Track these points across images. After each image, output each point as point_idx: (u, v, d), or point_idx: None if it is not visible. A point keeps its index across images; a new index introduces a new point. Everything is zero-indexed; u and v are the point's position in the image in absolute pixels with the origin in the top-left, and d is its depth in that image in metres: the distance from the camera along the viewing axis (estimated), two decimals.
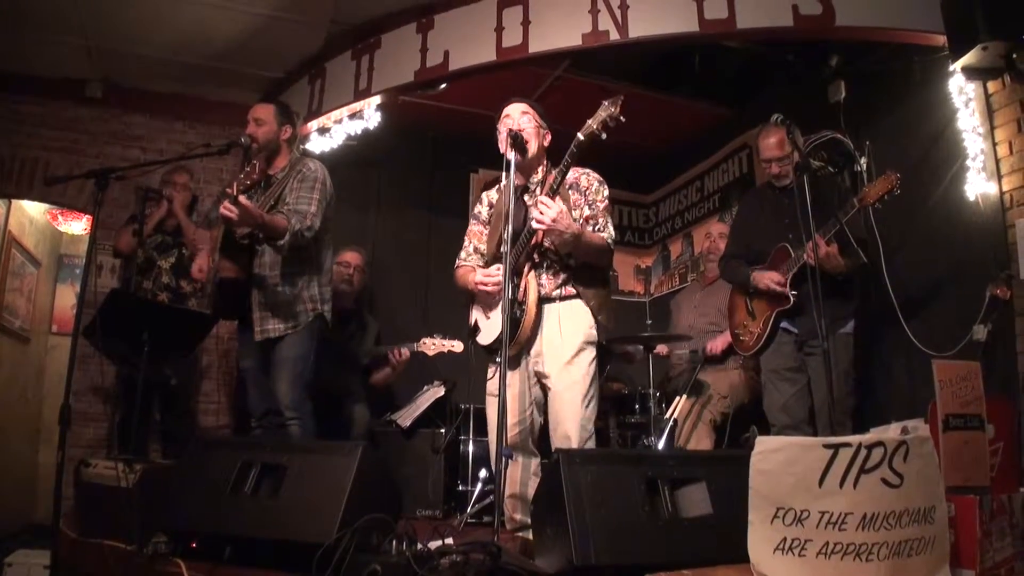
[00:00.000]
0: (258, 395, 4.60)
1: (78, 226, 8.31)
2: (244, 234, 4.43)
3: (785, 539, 2.40)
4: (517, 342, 3.88)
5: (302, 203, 4.43)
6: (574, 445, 3.77)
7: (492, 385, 4.07)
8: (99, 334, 4.59)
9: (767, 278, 4.73)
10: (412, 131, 7.57)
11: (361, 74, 6.01)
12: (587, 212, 3.98)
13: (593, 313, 3.97)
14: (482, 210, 4.37)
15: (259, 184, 4.34)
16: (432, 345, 6.02)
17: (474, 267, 4.21)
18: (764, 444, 2.47)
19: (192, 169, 6.24)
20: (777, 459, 2.43)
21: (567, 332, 3.91)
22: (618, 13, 5.06)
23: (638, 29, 5.03)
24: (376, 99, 5.99)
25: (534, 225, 3.73)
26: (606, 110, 3.64)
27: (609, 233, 3.99)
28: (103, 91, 7.00)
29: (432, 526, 4.02)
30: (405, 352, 6.12)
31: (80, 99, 6.96)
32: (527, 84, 6.36)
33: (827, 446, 2.42)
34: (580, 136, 3.70)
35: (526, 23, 5.32)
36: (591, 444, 3.91)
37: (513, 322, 3.81)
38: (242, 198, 4.01)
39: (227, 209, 4.02)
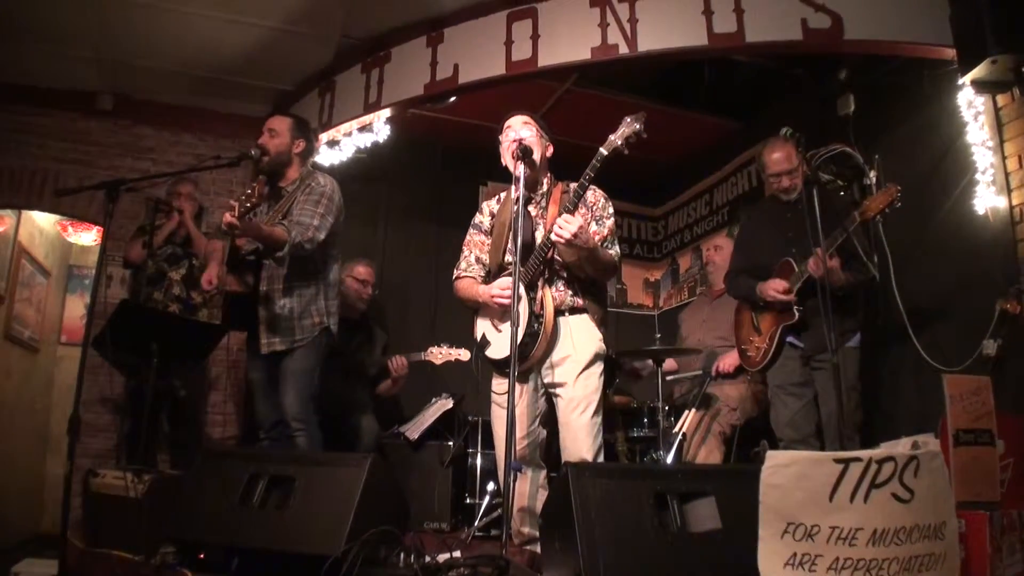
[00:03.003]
0: (267, 407, 4.61)
1: (88, 237, 8.32)
2: (249, 250, 4.45)
3: (795, 554, 2.38)
4: (534, 356, 3.88)
5: (304, 216, 4.44)
6: (587, 457, 3.77)
7: (498, 397, 4.06)
8: (109, 345, 4.61)
9: (771, 287, 4.72)
10: (421, 144, 7.60)
11: (371, 87, 6.03)
12: (594, 228, 3.97)
13: (597, 326, 3.98)
14: (483, 220, 4.36)
15: (259, 205, 4.34)
16: (439, 354, 6.00)
17: (476, 278, 4.20)
18: (775, 458, 2.46)
19: (198, 180, 6.26)
20: (788, 473, 2.42)
21: (579, 345, 3.90)
22: (627, 27, 5.06)
23: (647, 43, 5.03)
24: (386, 112, 6.02)
25: (553, 238, 3.72)
26: (629, 126, 3.65)
27: (616, 250, 4.00)
28: (113, 103, 7.03)
29: (440, 539, 4.03)
30: (402, 360, 6.11)
31: (90, 111, 6.99)
32: (536, 97, 6.38)
33: (838, 461, 2.41)
34: (603, 151, 3.71)
35: (535, 37, 5.34)
36: (601, 455, 3.90)
37: (532, 335, 3.82)
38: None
39: (229, 218, 4.03)
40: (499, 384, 4.05)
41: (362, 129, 6.23)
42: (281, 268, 4.45)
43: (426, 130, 7.32)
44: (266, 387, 4.58)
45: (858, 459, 2.41)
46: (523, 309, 3.81)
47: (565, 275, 3.96)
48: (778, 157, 4.83)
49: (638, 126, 3.64)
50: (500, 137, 4.11)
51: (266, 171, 4.67)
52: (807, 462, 2.46)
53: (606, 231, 3.98)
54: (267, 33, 6.02)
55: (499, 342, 4.03)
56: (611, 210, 4.08)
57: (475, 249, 4.30)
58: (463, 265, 4.29)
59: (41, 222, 7.89)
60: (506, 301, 3.86)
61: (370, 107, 6.00)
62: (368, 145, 6.34)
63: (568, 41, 5.25)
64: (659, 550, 2.77)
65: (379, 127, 6.21)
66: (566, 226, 3.63)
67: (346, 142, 6.34)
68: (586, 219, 3.97)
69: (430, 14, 5.78)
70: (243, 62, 6.45)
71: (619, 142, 3.68)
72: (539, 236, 3.93)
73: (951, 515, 2.54)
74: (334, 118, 6.28)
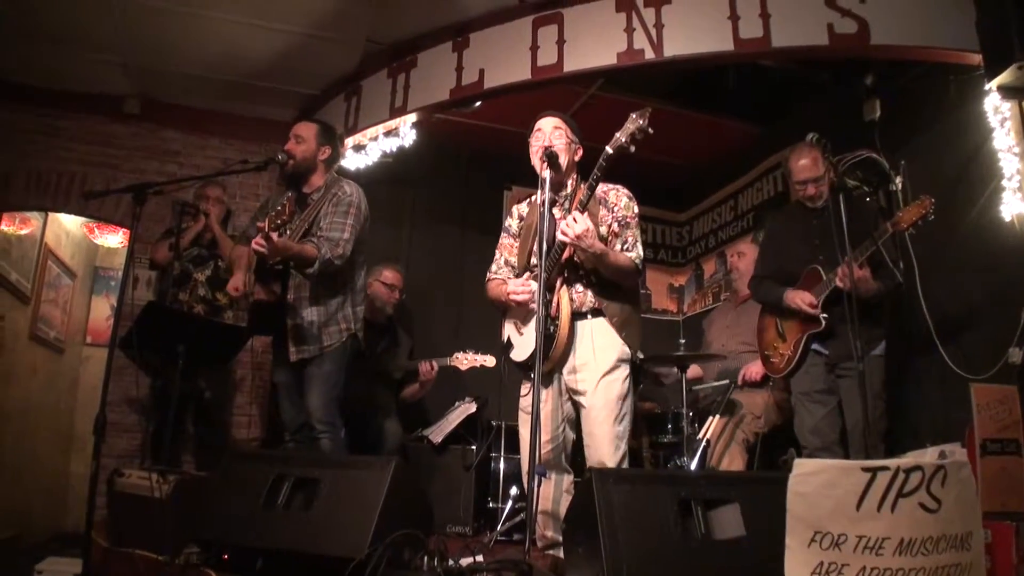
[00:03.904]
0: (292, 410, 4.63)
1: (114, 239, 8.40)
2: (277, 260, 4.47)
3: (822, 563, 2.37)
4: (551, 358, 3.85)
5: (335, 230, 4.46)
6: (608, 464, 3.74)
7: (525, 401, 4.02)
8: (135, 346, 4.64)
9: (800, 298, 4.69)
10: (446, 148, 7.61)
11: (397, 92, 6.06)
12: (615, 228, 3.96)
13: (616, 330, 3.92)
14: (512, 223, 4.37)
15: (289, 223, 4.36)
16: (465, 360, 6.01)
17: (506, 280, 4.19)
18: (802, 467, 2.45)
19: (225, 183, 6.30)
20: (815, 482, 2.41)
21: (599, 348, 3.87)
22: (653, 32, 5.06)
23: (673, 48, 5.03)
24: (411, 117, 6.04)
25: (559, 238, 3.72)
26: (634, 123, 3.62)
27: (637, 253, 3.95)
28: (140, 107, 7.10)
29: (463, 543, 4.03)
30: (434, 365, 6.13)
31: (117, 115, 7.06)
32: (561, 102, 6.36)
33: (865, 469, 2.40)
34: (609, 149, 3.67)
35: (561, 42, 5.35)
36: (624, 463, 3.88)
37: (547, 337, 3.78)
38: (273, 234, 4.05)
39: (258, 244, 4.06)
40: (525, 387, 4.04)
41: (388, 134, 6.24)
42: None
43: (451, 134, 7.34)
44: (292, 391, 4.60)
45: (886, 468, 2.40)
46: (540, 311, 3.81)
47: (585, 277, 3.94)
48: (805, 163, 4.80)
49: (643, 122, 3.61)
50: (531, 139, 4.10)
51: (291, 176, 4.70)
52: (835, 470, 2.45)
53: (628, 233, 3.97)
54: (293, 38, 6.06)
55: (521, 344, 4.05)
56: (635, 208, 4.05)
57: (505, 252, 4.32)
58: (494, 268, 4.32)
59: (67, 224, 7.97)
60: (519, 297, 3.91)
61: (396, 112, 6.03)
62: (394, 149, 6.35)
63: (594, 46, 5.25)
64: (683, 557, 2.77)
65: (405, 132, 6.21)
66: (573, 225, 3.64)
67: (372, 146, 6.34)
68: (605, 219, 3.96)
69: (456, 19, 5.80)
70: (269, 67, 6.48)
71: (624, 139, 3.64)
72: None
73: (978, 525, 2.52)
74: (360, 122, 6.31)
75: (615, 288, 3.96)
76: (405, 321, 6.76)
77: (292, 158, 4.62)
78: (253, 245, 4.11)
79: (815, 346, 4.74)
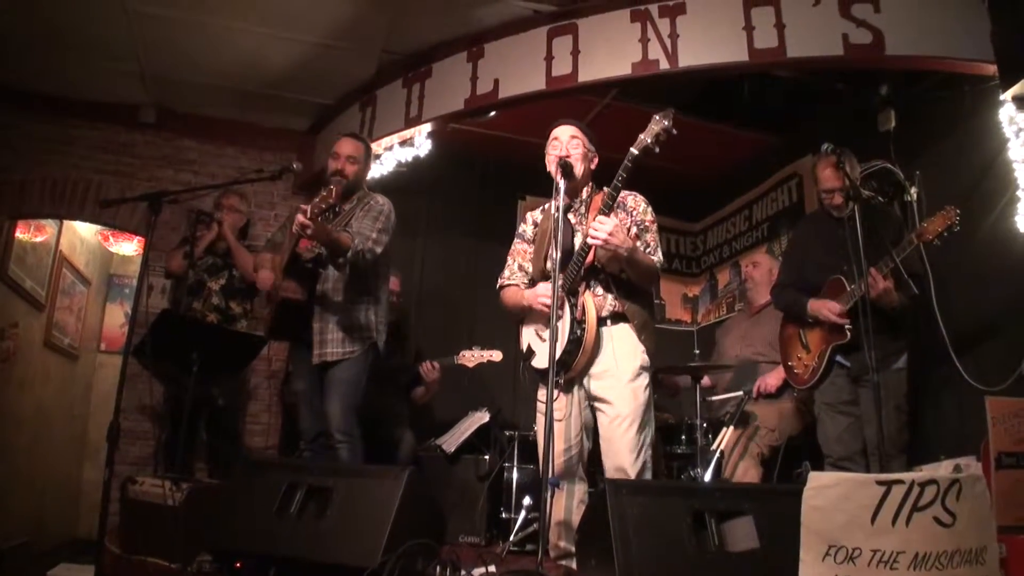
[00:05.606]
0: (311, 418, 4.63)
1: (129, 247, 8.43)
2: (308, 258, 4.49)
3: None
4: (576, 366, 3.83)
5: (365, 228, 4.50)
6: (630, 473, 3.71)
7: (543, 407, 4.01)
8: (149, 354, 4.65)
9: (826, 308, 4.66)
10: (460, 158, 7.59)
11: (412, 102, 6.07)
12: (634, 232, 3.94)
13: (636, 333, 3.92)
14: (527, 229, 4.36)
15: (332, 209, 4.38)
16: (471, 357, 5.97)
17: (520, 285, 4.18)
18: (817, 480, 2.44)
19: (244, 192, 6.32)
20: (830, 495, 2.40)
21: (621, 355, 3.86)
22: (668, 42, 5.06)
23: (688, 58, 5.02)
24: (426, 127, 6.05)
25: (589, 241, 3.70)
26: (658, 123, 3.60)
27: (659, 257, 3.95)
28: (156, 116, 7.15)
29: (476, 553, 4.02)
30: (435, 365, 6.11)
31: (133, 124, 7.12)
32: (575, 112, 6.28)
33: (880, 483, 2.39)
34: (634, 151, 3.65)
35: (575, 52, 5.35)
36: (648, 472, 3.84)
37: (574, 341, 3.77)
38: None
39: (301, 214, 4.04)
40: (543, 392, 4.00)
41: (403, 143, 6.25)
42: (339, 280, 4.51)
43: (466, 144, 7.32)
44: (312, 398, 4.61)
45: (900, 482, 2.39)
46: (566, 316, 3.79)
47: (604, 280, 3.93)
48: (830, 173, 4.77)
49: (667, 123, 3.59)
50: (547, 147, 4.09)
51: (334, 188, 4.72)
52: (850, 484, 2.44)
53: (648, 236, 3.96)
54: (309, 48, 6.09)
55: (544, 352, 3.97)
56: (652, 214, 4.05)
57: (518, 258, 4.30)
58: (507, 273, 4.29)
59: (82, 232, 8.01)
60: (549, 302, 3.84)
61: (411, 121, 6.04)
62: (409, 159, 6.36)
63: (608, 56, 5.25)
64: (696, 569, 2.76)
65: (420, 141, 6.23)
66: (601, 227, 3.62)
67: (387, 156, 6.36)
68: (625, 223, 3.94)
69: (471, 29, 5.81)
70: (285, 76, 6.52)
71: (649, 140, 3.62)
72: (578, 242, 3.89)
73: (992, 540, 2.51)
74: (375, 132, 6.31)
75: (634, 291, 3.95)
76: (406, 325, 6.73)
77: (345, 177, 4.66)
78: (297, 217, 4.08)
79: (838, 358, 4.71)
